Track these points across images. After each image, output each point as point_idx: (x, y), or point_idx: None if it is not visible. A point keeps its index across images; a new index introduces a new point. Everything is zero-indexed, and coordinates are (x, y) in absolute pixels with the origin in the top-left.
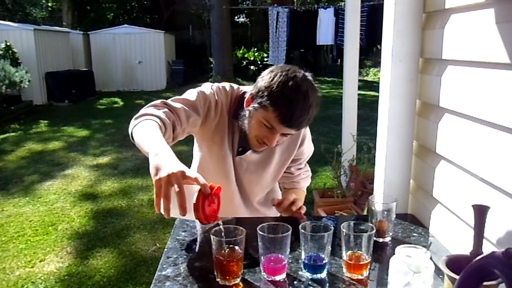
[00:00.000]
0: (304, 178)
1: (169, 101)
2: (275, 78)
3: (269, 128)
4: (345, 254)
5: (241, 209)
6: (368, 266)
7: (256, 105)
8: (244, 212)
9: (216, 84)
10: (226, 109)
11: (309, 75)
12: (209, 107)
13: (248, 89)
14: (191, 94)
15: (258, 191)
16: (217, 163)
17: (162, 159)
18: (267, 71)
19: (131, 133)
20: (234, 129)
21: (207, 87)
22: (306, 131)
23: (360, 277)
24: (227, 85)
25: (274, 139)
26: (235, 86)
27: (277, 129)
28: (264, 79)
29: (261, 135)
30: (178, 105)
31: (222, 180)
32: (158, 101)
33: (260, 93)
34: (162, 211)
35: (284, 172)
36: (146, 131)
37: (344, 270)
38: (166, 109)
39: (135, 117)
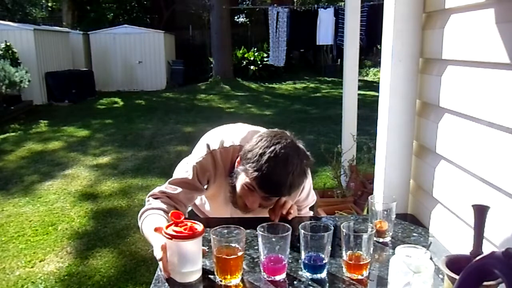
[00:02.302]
0: (306, 212)
1: (167, 188)
2: (259, 143)
3: (251, 190)
4: (345, 254)
5: None
6: (368, 266)
7: (241, 167)
8: None
9: (218, 146)
10: (225, 171)
11: (298, 142)
12: (208, 177)
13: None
14: (187, 170)
15: None
16: (216, 209)
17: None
18: (257, 134)
19: (140, 228)
20: None
21: (206, 158)
22: (305, 183)
23: (360, 277)
24: (228, 143)
25: (255, 202)
26: (237, 142)
27: (258, 192)
28: (251, 142)
29: (244, 197)
30: (176, 190)
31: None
32: (156, 191)
33: (244, 155)
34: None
35: None
36: (149, 226)
37: (344, 270)
38: (166, 198)
39: (140, 212)
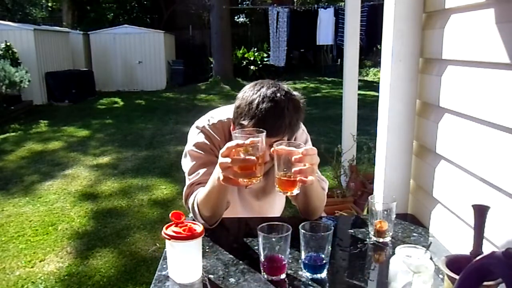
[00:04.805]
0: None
1: (190, 179)
2: (244, 96)
3: None
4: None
5: None
6: (299, 184)
7: (237, 127)
8: None
9: (206, 123)
10: (223, 144)
11: (281, 84)
12: (211, 149)
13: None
14: (191, 155)
15: (274, 208)
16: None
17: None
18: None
19: (197, 208)
20: None
21: (199, 136)
22: (300, 135)
23: (289, 193)
24: (215, 119)
25: (265, 153)
26: (224, 117)
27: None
28: (236, 102)
29: None
30: (199, 173)
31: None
32: (185, 190)
33: (235, 115)
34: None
35: None
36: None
37: (277, 187)
38: (196, 186)
39: (191, 209)
